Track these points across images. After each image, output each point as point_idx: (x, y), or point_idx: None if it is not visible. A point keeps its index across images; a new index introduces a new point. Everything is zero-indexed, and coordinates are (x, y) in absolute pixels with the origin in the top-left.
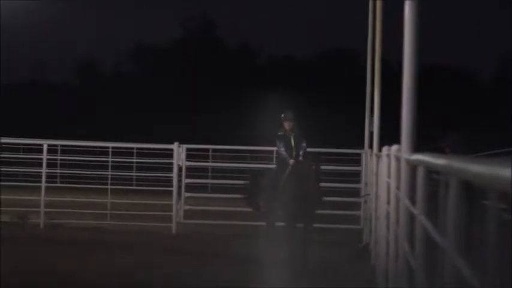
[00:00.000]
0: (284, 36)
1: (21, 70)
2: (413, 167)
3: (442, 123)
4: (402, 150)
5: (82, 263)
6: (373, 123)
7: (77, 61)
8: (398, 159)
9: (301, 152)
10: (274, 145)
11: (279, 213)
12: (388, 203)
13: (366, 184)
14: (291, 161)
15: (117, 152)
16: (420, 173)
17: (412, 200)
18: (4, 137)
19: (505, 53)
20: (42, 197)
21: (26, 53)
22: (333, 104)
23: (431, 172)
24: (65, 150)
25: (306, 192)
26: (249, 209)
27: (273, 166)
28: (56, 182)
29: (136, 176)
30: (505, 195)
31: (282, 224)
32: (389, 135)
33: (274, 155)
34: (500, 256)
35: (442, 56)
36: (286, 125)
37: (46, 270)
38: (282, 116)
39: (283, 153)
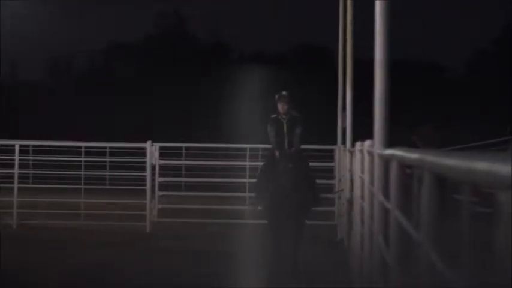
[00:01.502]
0: (256, 33)
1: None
2: (386, 161)
3: (415, 117)
4: (375, 145)
5: (54, 264)
6: (346, 119)
7: (49, 59)
8: (371, 154)
9: (295, 141)
10: (246, 142)
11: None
12: (362, 198)
13: (339, 180)
14: (276, 153)
15: (90, 152)
16: (393, 167)
17: (386, 194)
18: None
19: (475, 46)
20: (15, 198)
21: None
22: (305, 100)
23: (405, 166)
24: (37, 151)
25: (298, 187)
26: (223, 207)
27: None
28: (28, 183)
29: (110, 175)
30: (477, 189)
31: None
32: (362, 131)
33: (248, 151)
34: (473, 249)
35: (414, 50)
36: (280, 107)
37: (18, 270)
38: (276, 97)
39: (273, 141)
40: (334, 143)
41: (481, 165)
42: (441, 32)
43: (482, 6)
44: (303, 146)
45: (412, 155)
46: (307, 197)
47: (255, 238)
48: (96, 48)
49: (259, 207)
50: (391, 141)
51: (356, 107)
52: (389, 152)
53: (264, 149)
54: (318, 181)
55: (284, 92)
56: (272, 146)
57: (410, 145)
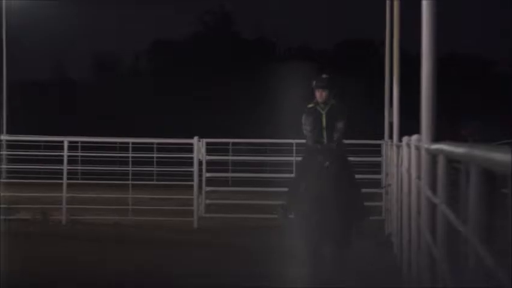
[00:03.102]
0: (301, 28)
1: (39, 68)
2: (433, 156)
3: (463, 112)
4: (422, 140)
5: (103, 259)
6: (393, 114)
7: (95, 58)
8: (418, 148)
9: (335, 136)
10: (292, 137)
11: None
12: (410, 193)
13: (387, 174)
14: (313, 150)
15: (137, 148)
16: (441, 162)
17: (433, 189)
18: (24, 135)
19: None
20: (64, 194)
21: (43, 50)
22: (352, 95)
23: (453, 161)
24: (86, 147)
25: (341, 200)
26: (270, 202)
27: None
28: (77, 179)
29: (157, 171)
30: None
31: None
32: (410, 125)
33: (294, 146)
34: None
35: (461, 44)
36: (318, 94)
37: (68, 266)
38: (313, 82)
39: (309, 135)
40: (382, 137)
41: None
42: (492, 25)
43: None
44: (347, 141)
45: (459, 150)
46: (351, 207)
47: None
48: (142, 47)
49: (291, 216)
50: (439, 135)
51: (404, 101)
52: (436, 146)
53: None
54: (364, 176)
55: (324, 75)
56: (307, 143)
57: (460, 140)
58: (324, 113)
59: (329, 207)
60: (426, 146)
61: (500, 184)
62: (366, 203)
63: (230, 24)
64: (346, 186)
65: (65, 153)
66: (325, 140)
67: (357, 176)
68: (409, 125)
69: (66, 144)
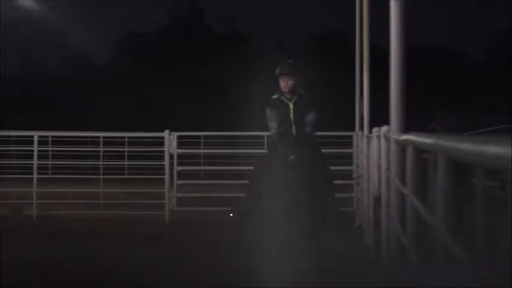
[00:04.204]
0: (273, 22)
1: (14, 66)
2: (402, 147)
3: (435, 103)
4: (391, 131)
5: (74, 254)
6: (363, 105)
7: (67, 53)
8: (388, 140)
9: (307, 130)
10: (263, 130)
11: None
12: (380, 183)
13: (358, 166)
14: (281, 148)
15: (108, 142)
16: (409, 152)
17: (403, 180)
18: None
19: (495, 32)
20: (34, 189)
21: (18, 49)
22: (322, 87)
23: (422, 151)
24: (56, 141)
25: (305, 202)
26: (242, 194)
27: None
28: (48, 174)
29: (129, 165)
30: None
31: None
32: (381, 117)
33: (265, 139)
34: (489, 233)
35: (431, 36)
36: (283, 83)
37: (39, 261)
38: (277, 70)
39: (274, 131)
40: (353, 129)
41: (493, 148)
42: (460, 16)
43: None
44: (322, 133)
45: (427, 140)
46: (318, 210)
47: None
48: (113, 40)
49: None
50: (410, 127)
51: (375, 93)
52: (405, 137)
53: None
54: (335, 168)
55: (289, 61)
56: (272, 138)
57: (429, 131)
58: (291, 104)
59: (293, 210)
60: (395, 137)
61: (471, 175)
62: (341, 209)
63: (202, 19)
64: (314, 184)
65: (35, 147)
66: (293, 135)
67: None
68: (381, 116)
69: (36, 139)
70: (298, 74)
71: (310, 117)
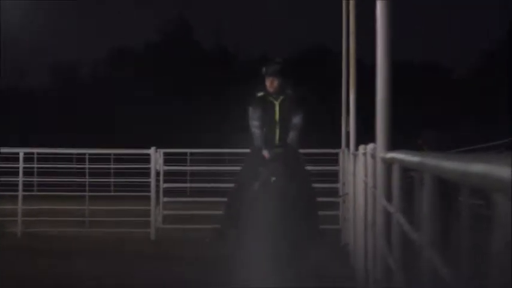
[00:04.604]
0: (259, 37)
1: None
2: (388, 165)
3: (421, 120)
4: (377, 149)
5: (59, 272)
6: (349, 123)
7: (53, 66)
8: (374, 157)
9: (291, 134)
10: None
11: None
12: (366, 201)
13: (344, 184)
14: (265, 153)
15: (94, 159)
16: (395, 170)
17: (389, 198)
18: None
19: (480, 49)
20: (20, 206)
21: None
22: (309, 104)
23: (408, 170)
24: (42, 158)
25: (287, 223)
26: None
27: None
28: (33, 191)
29: (115, 182)
30: (481, 192)
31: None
32: (368, 134)
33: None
34: (476, 251)
35: (417, 52)
36: (269, 83)
37: (21, 280)
38: (264, 69)
39: (256, 133)
40: (339, 146)
41: (477, 167)
42: (446, 33)
43: (488, 8)
44: (308, 150)
45: (412, 158)
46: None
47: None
48: (100, 54)
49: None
50: (397, 144)
51: (362, 110)
52: (391, 155)
53: None
54: (321, 185)
55: (277, 59)
56: (255, 143)
57: (416, 148)
58: (277, 103)
59: (273, 228)
60: (381, 155)
61: (457, 193)
62: (325, 226)
63: (190, 35)
64: (296, 202)
65: (21, 164)
66: (277, 139)
67: (315, 187)
68: (368, 133)
69: (21, 156)
70: (285, 74)
71: (297, 119)
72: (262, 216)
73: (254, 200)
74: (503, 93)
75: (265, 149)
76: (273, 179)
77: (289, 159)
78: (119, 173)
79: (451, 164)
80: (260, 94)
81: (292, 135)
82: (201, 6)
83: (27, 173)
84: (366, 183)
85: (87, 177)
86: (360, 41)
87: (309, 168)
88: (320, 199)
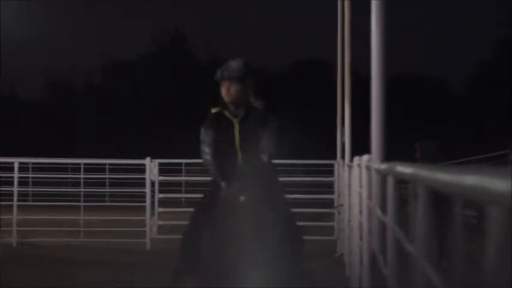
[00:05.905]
0: (254, 50)
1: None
2: (383, 176)
3: (417, 132)
4: (372, 160)
5: (54, 282)
6: (345, 134)
7: (48, 77)
8: (369, 169)
9: (263, 156)
10: None
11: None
12: (361, 213)
13: (339, 195)
14: (223, 185)
15: (89, 169)
16: (390, 182)
17: (384, 209)
18: None
19: (476, 62)
20: (14, 216)
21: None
22: (304, 116)
23: (402, 181)
24: (37, 168)
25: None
26: None
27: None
28: (28, 201)
29: (110, 192)
30: (473, 203)
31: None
32: (364, 145)
33: None
34: (468, 262)
35: (412, 65)
36: (224, 90)
37: None
38: (217, 72)
39: (208, 161)
40: (335, 157)
41: (470, 179)
42: (442, 46)
43: (484, 20)
44: (303, 161)
45: (406, 170)
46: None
47: None
48: (95, 65)
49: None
50: (394, 156)
51: (357, 121)
52: (385, 166)
53: None
54: (316, 196)
55: (236, 59)
56: (212, 173)
57: (412, 160)
58: (236, 121)
59: (250, 263)
60: (376, 166)
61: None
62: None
63: (184, 46)
64: (271, 242)
65: (16, 174)
66: (238, 169)
67: (307, 196)
68: (364, 145)
69: (16, 166)
70: (246, 77)
71: (266, 141)
72: (229, 255)
73: (217, 237)
74: (502, 105)
75: (222, 180)
76: (242, 198)
77: (261, 181)
78: (114, 183)
79: (444, 176)
80: (215, 110)
81: (262, 161)
82: (196, 17)
83: (22, 182)
84: (360, 195)
85: (82, 187)
86: (355, 51)
87: (282, 184)
88: (315, 210)
